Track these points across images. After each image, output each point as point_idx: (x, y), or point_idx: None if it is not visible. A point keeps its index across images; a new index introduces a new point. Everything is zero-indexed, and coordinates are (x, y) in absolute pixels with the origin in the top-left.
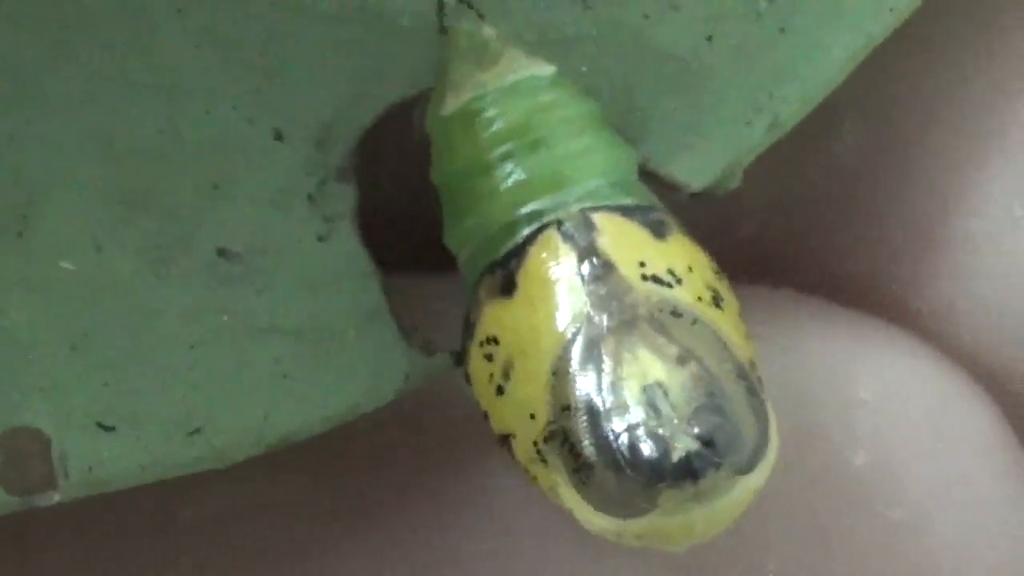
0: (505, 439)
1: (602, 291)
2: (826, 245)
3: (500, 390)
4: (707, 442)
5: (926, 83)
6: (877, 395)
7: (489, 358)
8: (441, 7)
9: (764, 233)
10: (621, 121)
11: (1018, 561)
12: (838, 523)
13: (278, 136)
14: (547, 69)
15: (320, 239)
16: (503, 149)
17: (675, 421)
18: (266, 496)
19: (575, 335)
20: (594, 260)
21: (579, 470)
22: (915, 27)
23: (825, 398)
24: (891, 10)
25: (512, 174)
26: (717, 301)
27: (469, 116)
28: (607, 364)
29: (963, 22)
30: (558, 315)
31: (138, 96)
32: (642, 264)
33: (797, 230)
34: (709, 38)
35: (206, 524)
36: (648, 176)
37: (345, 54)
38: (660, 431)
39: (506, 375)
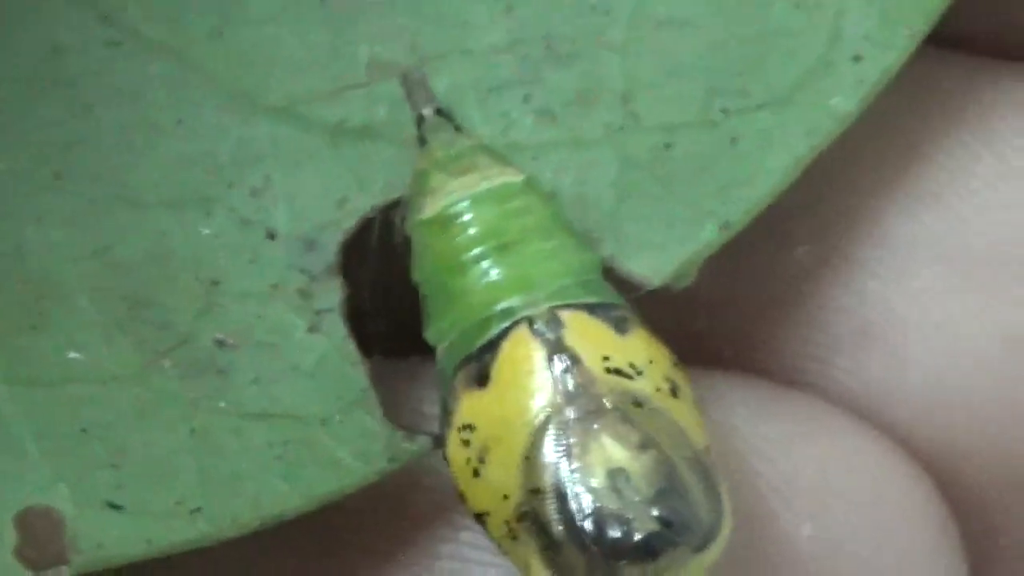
0: (480, 517)
1: (569, 383)
2: (773, 336)
3: (476, 473)
4: (666, 523)
5: (866, 192)
6: (819, 474)
7: (466, 443)
8: (421, 120)
9: (716, 325)
10: (585, 223)
11: None
12: None
13: (271, 236)
14: (518, 177)
15: (310, 330)
16: (477, 251)
17: (637, 503)
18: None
19: (545, 423)
20: (562, 355)
21: (549, 548)
22: (862, 140)
23: (771, 477)
24: (833, 119)
25: (486, 274)
26: (675, 391)
27: (446, 220)
28: (575, 451)
29: (905, 131)
30: (530, 405)
31: (136, 209)
32: (606, 358)
33: (746, 323)
34: (667, 146)
35: None
36: (610, 274)
37: (332, 162)
38: (623, 513)
39: (481, 459)
